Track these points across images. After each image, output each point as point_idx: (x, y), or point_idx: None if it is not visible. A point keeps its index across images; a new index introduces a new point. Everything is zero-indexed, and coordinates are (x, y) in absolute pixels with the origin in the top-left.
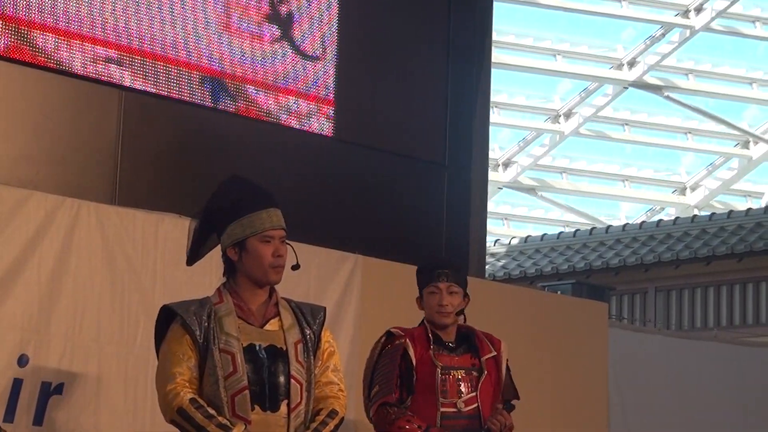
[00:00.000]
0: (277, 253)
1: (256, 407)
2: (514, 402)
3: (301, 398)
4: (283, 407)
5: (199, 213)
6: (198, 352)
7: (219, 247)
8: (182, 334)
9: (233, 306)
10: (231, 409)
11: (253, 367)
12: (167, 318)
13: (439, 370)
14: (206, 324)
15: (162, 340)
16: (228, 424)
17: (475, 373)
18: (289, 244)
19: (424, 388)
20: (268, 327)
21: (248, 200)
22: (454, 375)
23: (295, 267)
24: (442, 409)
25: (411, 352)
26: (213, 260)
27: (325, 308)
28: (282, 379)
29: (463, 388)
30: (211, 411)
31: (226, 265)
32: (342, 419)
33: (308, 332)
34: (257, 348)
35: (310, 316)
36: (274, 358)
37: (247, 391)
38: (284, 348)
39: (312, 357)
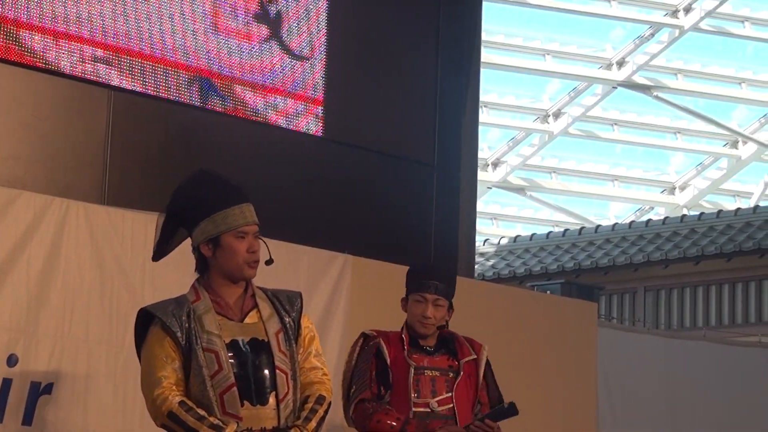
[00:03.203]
0: (252, 249)
1: (245, 403)
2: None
3: (288, 388)
4: (272, 399)
5: (166, 207)
6: (181, 353)
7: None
8: (163, 337)
9: (211, 302)
10: (221, 408)
11: (237, 362)
12: (145, 321)
13: (412, 370)
14: (186, 324)
15: (142, 344)
16: (220, 423)
17: (451, 374)
18: (262, 239)
19: (397, 386)
20: (247, 320)
21: (220, 196)
22: (428, 375)
23: (269, 262)
24: (414, 409)
25: (385, 350)
26: None
27: (300, 293)
28: (267, 371)
29: (437, 389)
30: (202, 412)
31: (199, 261)
32: (330, 404)
33: (287, 320)
34: (240, 343)
35: (287, 304)
36: (257, 351)
37: (235, 388)
38: (266, 340)
39: (294, 345)
